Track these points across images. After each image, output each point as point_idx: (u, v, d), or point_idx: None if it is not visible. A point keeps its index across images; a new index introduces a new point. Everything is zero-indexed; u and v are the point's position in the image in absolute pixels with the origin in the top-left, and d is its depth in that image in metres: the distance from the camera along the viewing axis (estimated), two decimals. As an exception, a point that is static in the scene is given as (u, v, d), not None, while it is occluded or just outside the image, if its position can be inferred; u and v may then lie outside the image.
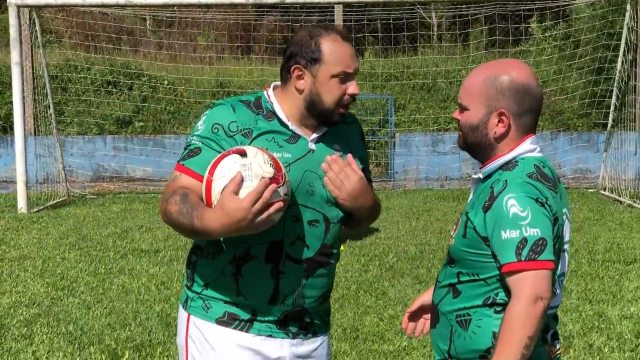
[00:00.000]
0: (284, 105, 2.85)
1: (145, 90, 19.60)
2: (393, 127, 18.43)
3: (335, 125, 2.88)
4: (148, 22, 24.56)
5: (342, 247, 9.21)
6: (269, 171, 2.54)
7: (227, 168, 2.54)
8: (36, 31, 14.83)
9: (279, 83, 2.91)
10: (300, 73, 2.80)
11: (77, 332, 6.40)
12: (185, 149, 2.79)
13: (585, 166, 17.63)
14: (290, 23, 20.50)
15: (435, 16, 23.43)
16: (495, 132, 2.61)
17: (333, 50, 2.77)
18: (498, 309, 2.55)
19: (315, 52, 2.77)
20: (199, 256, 2.88)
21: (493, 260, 2.53)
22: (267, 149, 2.71)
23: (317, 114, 2.82)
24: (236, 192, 2.49)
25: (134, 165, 18.24)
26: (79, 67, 19.60)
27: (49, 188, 15.19)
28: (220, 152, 2.67)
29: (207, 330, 2.84)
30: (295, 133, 2.83)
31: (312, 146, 2.85)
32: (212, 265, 2.83)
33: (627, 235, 10.69)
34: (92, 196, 15.46)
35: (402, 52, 20.76)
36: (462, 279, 2.61)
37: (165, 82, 19.65)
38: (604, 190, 15.45)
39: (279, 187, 2.55)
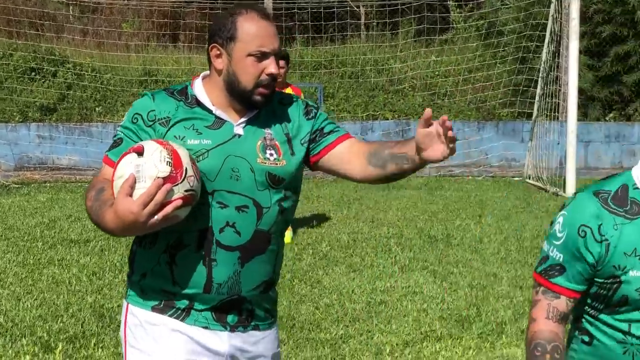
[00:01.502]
0: (211, 91, 2.82)
1: (69, 77, 19.17)
2: (322, 115, 18.42)
3: (259, 107, 2.83)
4: (71, 7, 24.07)
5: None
6: (164, 170, 2.48)
7: (123, 168, 2.52)
8: (-44, 16, 14.42)
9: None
10: (219, 52, 2.77)
11: (8, 324, 6.26)
12: (113, 139, 2.81)
13: (511, 155, 17.96)
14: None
15: (363, 5, 23.51)
16: None
17: (249, 28, 2.73)
18: None
19: (230, 30, 2.74)
20: (138, 246, 2.87)
21: None
22: (184, 137, 2.71)
23: (236, 95, 2.78)
24: (130, 194, 2.45)
25: (60, 154, 17.86)
26: (1, 53, 19.09)
27: (-29, 177, 14.81)
28: (137, 143, 2.66)
29: (143, 316, 2.80)
30: (219, 118, 2.79)
31: (239, 130, 2.79)
32: (149, 254, 2.81)
33: (553, 222, 10.92)
34: (16, 185, 15.10)
35: (330, 40, 20.80)
36: None
37: (91, 70, 19.28)
38: (529, 178, 15.78)
39: (176, 185, 2.49)
